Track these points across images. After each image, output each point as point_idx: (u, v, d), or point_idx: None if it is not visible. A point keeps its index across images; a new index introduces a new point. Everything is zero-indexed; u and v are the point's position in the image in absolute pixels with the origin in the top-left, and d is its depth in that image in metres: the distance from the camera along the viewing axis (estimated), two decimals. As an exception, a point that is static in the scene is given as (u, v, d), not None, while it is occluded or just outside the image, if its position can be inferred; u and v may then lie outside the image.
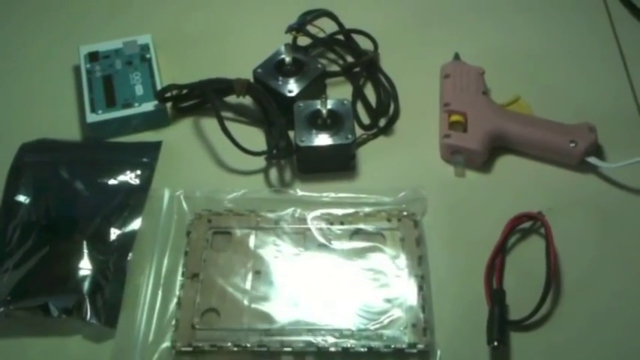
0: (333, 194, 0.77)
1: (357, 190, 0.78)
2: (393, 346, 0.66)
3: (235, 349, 0.66)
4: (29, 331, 0.69)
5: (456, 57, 0.88)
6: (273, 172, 0.81)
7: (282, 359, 0.67)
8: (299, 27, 0.86)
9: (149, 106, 0.83)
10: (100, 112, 0.82)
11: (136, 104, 0.83)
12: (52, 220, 0.75)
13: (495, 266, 0.71)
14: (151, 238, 0.74)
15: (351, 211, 0.75)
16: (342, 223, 0.74)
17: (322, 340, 0.66)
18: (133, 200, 0.76)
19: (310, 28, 0.87)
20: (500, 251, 0.72)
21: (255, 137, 0.83)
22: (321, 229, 0.74)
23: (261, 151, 0.79)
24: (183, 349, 0.66)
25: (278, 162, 0.81)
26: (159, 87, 0.84)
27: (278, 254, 0.73)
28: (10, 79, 0.90)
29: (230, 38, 0.93)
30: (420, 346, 0.66)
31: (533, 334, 0.68)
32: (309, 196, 0.77)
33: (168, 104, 0.84)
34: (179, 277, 0.71)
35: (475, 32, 0.93)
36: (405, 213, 0.75)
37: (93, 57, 0.87)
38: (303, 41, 0.88)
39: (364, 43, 0.90)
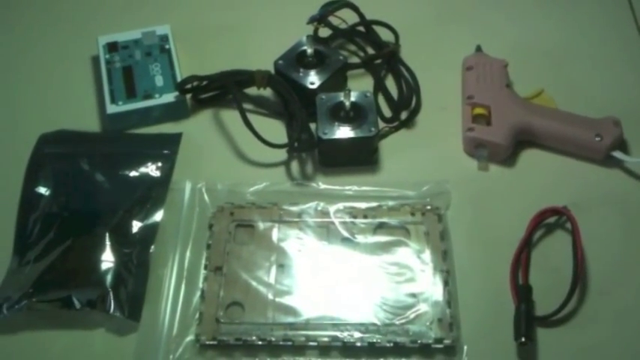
0: (355, 187, 0.77)
1: (379, 184, 0.77)
2: (419, 342, 0.65)
3: (260, 342, 0.66)
4: (52, 324, 0.68)
5: (478, 49, 0.87)
6: (295, 165, 0.80)
7: (307, 354, 0.66)
8: (321, 18, 0.85)
9: (169, 97, 0.82)
10: (120, 103, 0.81)
11: (157, 95, 0.82)
12: (74, 212, 0.74)
13: (521, 261, 0.70)
14: (173, 231, 0.73)
15: (374, 204, 0.75)
16: (365, 217, 0.74)
17: (348, 334, 0.66)
18: (154, 192, 0.75)
19: (332, 19, 0.86)
20: (526, 246, 0.71)
21: (275, 129, 0.82)
22: (344, 223, 0.73)
23: (283, 143, 0.78)
24: (208, 342, 0.66)
25: (299, 155, 0.80)
26: (179, 78, 0.83)
27: (301, 248, 0.72)
28: (28, 69, 0.90)
29: (250, 29, 0.93)
30: (447, 342, 0.65)
31: (559, 330, 0.67)
32: (332, 190, 0.77)
33: (188, 96, 0.84)
34: (202, 270, 0.71)
35: (497, 25, 0.93)
36: (428, 207, 0.74)
37: (112, 47, 0.86)
38: (324, 32, 0.88)
39: (385, 35, 0.89)
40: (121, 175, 0.77)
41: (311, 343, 0.66)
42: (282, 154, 0.80)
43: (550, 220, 0.74)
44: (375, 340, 0.66)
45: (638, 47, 0.89)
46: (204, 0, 0.96)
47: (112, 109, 0.81)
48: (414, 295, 0.68)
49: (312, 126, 0.80)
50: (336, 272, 0.70)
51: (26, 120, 0.84)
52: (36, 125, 0.82)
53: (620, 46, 0.90)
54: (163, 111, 0.82)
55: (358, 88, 0.81)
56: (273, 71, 0.83)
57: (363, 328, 0.66)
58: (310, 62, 0.83)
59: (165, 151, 0.79)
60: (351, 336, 0.66)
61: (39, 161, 0.78)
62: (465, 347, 0.66)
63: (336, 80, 0.84)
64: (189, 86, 0.82)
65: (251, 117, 0.79)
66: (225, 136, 0.82)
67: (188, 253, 0.72)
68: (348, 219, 0.74)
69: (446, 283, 0.69)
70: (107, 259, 0.70)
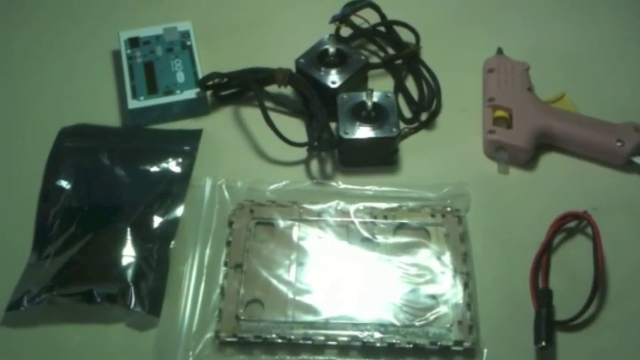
0: (375, 188, 0.77)
1: (399, 185, 0.77)
2: (439, 343, 0.65)
3: (280, 340, 0.66)
4: (71, 318, 0.68)
5: (499, 52, 0.87)
6: (314, 164, 0.80)
7: (326, 353, 0.66)
8: (343, 17, 0.85)
9: (191, 93, 0.82)
10: (141, 98, 0.81)
11: (178, 91, 0.82)
12: (95, 206, 0.74)
13: (541, 265, 0.70)
14: (192, 227, 0.73)
15: (394, 205, 0.75)
16: (385, 218, 0.74)
17: (368, 334, 0.66)
18: (174, 188, 0.75)
19: (353, 19, 0.86)
20: (546, 250, 0.71)
21: (295, 128, 0.82)
22: (364, 223, 0.73)
23: (304, 142, 0.78)
24: (228, 339, 0.66)
25: (319, 154, 0.80)
26: (200, 75, 0.83)
27: (322, 247, 0.72)
28: (50, 62, 0.90)
29: (272, 27, 0.93)
30: (467, 344, 0.65)
31: (580, 335, 0.67)
32: (352, 189, 0.77)
33: (209, 92, 0.84)
34: (222, 267, 0.71)
35: (518, 27, 0.93)
36: (449, 209, 0.74)
37: (133, 42, 0.86)
38: (345, 32, 0.88)
39: (406, 36, 0.89)
40: (142, 170, 0.77)
41: (330, 343, 0.66)
42: (302, 153, 0.80)
43: (570, 224, 0.74)
44: (394, 341, 0.66)
45: (659, 53, 0.89)
46: (226, -4, 0.96)
47: (133, 104, 0.81)
48: (433, 297, 0.68)
49: (332, 125, 0.80)
50: (355, 272, 0.70)
51: (47, 114, 0.84)
52: (57, 119, 0.82)
53: (642, 52, 0.90)
54: (184, 107, 0.82)
55: (378, 89, 0.81)
56: (294, 69, 0.83)
57: (383, 328, 0.66)
58: (331, 61, 0.83)
59: (186, 147, 0.79)
60: (371, 336, 0.66)
61: (59, 155, 0.79)
62: (485, 350, 0.66)
63: (357, 80, 0.84)
64: (210, 83, 0.82)
65: (271, 115, 0.79)
66: (245, 134, 0.82)
67: (208, 250, 0.72)
68: (368, 219, 0.74)
69: (466, 286, 0.69)
70: (128, 254, 0.70)
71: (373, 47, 0.90)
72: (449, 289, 0.69)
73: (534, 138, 0.78)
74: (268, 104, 0.83)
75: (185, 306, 0.68)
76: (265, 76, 0.82)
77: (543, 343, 0.65)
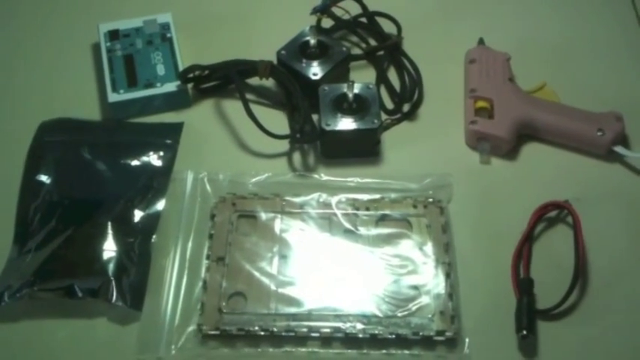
0: (358, 179, 0.76)
1: (381, 176, 0.77)
2: (420, 334, 0.66)
3: (262, 333, 0.66)
4: (53, 313, 0.68)
5: (481, 42, 0.87)
6: (297, 157, 0.80)
7: (309, 344, 0.66)
8: (324, 9, 0.84)
9: (171, 86, 0.82)
10: (121, 91, 0.81)
11: (158, 84, 0.81)
12: (75, 201, 0.74)
13: (522, 255, 0.71)
14: (174, 221, 0.73)
15: (376, 196, 0.75)
16: (367, 209, 0.74)
17: (350, 325, 0.66)
18: (156, 182, 0.75)
19: (334, 10, 0.86)
20: (528, 240, 0.72)
21: (277, 120, 0.82)
22: (347, 215, 0.73)
23: (286, 134, 0.78)
24: (210, 332, 0.66)
25: (301, 146, 0.80)
26: (180, 67, 0.83)
27: (304, 239, 0.72)
28: (29, 56, 0.89)
29: (253, 18, 0.92)
30: (449, 334, 0.66)
31: (561, 323, 0.68)
32: (334, 181, 0.77)
33: (190, 85, 0.83)
34: (204, 260, 0.70)
35: (500, 18, 0.93)
36: (431, 199, 0.74)
37: (113, 35, 0.86)
38: (326, 23, 0.87)
39: (388, 27, 0.89)
40: (123, 164, 0.77)
41: (313, 334, 0.66)
42: (284, 145, 0.79)
43: (552, 214, 0.74)
44: (376, 332, 0.66)
45: (640, 42, 0.90)
46: (206, -12, 0.96)
47: (113, 97, 0.80)
48: (416, 288, 0.69)
49: (314, 117, 0.80)
50: (338, 264, 0.71)
51: (27, 108, 0.84)
52: (36, 113, 0.81)
53: (623, 41, 0.90)
54: (165, 100, 0.82)
55: (360, 80, 0.80)
56: (275, 61, 0.83)
57: (365, 319, 0.66)
58: (313, 53, 0.83)
59: (167, 141, 0.79)
60: (353, 327, 0.66)
61: (39, 149, 0.78)
62: (467, 339, 0.66)
63: (339, 71, 0.83)
64: (191, 75, 0.82)
65: (253, 107, 0.79)
66: (227, 126, 0.82)
67: (190, 243, 0.72)
68: (350, 211, 0.74)
69: (448, 276, 0.69)
70: (109, 248, 0.70)
71: (355, 38, 0.90)
72: (431, 279, 0.69)
73: (516, 128, 0.78)
74: (250, 96, 0.83)
75: (167, 299, 0.68)
76: (247, 68, 0.82)
77: (524, 332, 0.65)
